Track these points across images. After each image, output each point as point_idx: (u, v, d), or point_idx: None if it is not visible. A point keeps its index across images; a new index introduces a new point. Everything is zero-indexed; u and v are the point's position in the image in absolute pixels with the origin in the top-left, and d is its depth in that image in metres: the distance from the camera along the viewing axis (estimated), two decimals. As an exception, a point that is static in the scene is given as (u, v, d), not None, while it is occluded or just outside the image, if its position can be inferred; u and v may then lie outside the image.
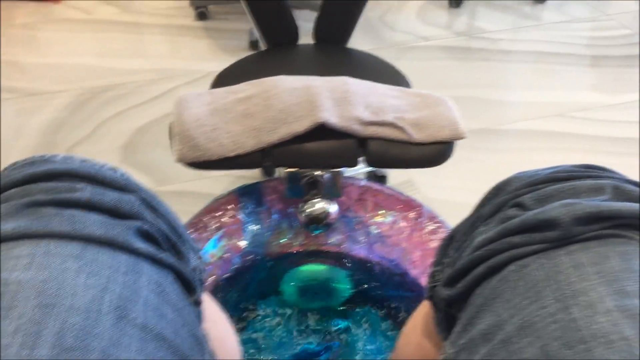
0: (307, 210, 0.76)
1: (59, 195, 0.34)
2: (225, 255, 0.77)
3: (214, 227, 0.78)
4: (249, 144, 0.70)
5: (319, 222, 0.77)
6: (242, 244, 0.78)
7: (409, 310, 0.81)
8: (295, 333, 0.85)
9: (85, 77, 1.70)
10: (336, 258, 0.81)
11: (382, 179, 1.35)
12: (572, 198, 0.35)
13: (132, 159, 1.44)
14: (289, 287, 0.85)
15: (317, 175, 0.76)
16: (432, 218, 0.80)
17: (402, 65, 1.00)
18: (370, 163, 0.74)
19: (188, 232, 0.76)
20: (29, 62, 1.77)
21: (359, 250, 0.79)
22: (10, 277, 0.30)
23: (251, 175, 1.37)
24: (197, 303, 0.40)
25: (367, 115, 0.73)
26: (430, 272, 0.45)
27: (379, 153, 0.72)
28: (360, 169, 1.31)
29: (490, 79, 1.81)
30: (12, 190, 0.35)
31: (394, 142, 0.72)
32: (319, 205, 0.76)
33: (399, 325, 0.83)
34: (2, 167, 0.38)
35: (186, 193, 1.35)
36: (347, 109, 0.72)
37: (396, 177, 1.40)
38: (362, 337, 0.84)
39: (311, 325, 0.86)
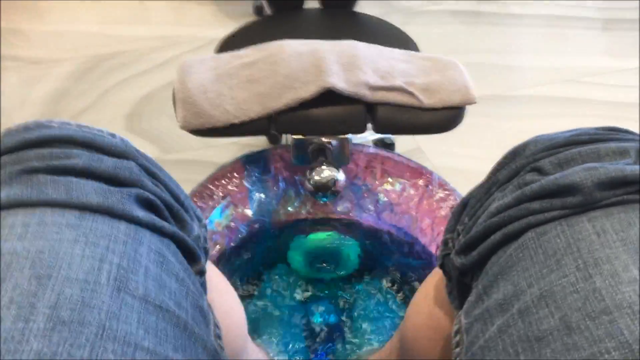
0: (314, 178, 0.75)
1: (54, 161, 0.33)
2: (232, 224, 0.75)
3: (219, 195, 0.77)
4: (254, 110, 0.68)
5: (326, 190, 0.75)
6: (249, 212, 0.77)
7: (419, 279, 0.80)
8: (302, 302, 0.84)
9: (89, 45, 1.68)
10: (344, 226, 0.80)
11: (390, 146, 1.33)
12: (594, 162, 0.33)
13: (137, 127, 1.43)
14: (296, 255, 0.84)
15: (324, 142, 0.75)
16: (442, 185, 0.79)
17: (410, 30, 0.97)
18: (378, 129, 0.72)
19: (193, 200, 0.75)
20: (31, 30, 1.74)
21: (368, 219, 0.78)
22: (4, 247, 0.29)
23: (257, 143, 1.36)
24: (201, 273, 0.39)
25: (375, 80, 0.71)
26: (442, 239, 0.44)
27: (388, 119, 0.70)
28: (369, 136, 1.29)
29: (501, 43, 1.78)
30: (6, 157, 0.34)
31: (403, 107, 0.70)
32: (326, 172, 0.75)
33: (408, 294, 0.83)
34: (1, 135, 0.37)
35: (192, 162, 1.34)
36: (355, 74, 0.70)
37: (404, 144, 1.38)
38: (370, 306, 0.83)
39: (319, 294, 0.86)
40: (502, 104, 1.54)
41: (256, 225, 0.77)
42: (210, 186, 0.77)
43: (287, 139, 0.88)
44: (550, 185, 0.33)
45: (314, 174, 0.75)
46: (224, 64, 0.74)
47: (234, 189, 0.77)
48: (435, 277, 0.50)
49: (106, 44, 1.69)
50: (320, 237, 0.82)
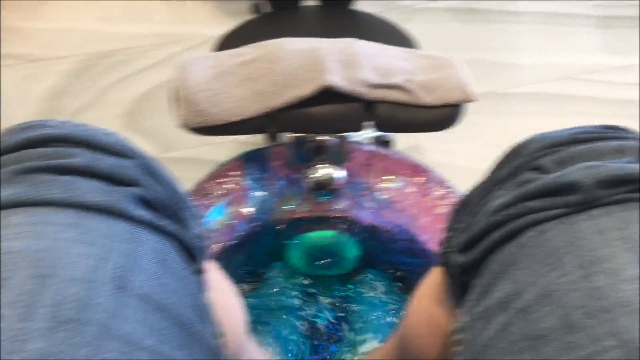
0: (313, 176, 0.75)
1: (54, 161, 0.33)
2: (231, 222, 0.75)
3: (218, 193, 0.77)
4: (253, 108, 0.68)
5: (325, 187, 0.75)
6: (248, 210, 0.77)
7: (418, 277, 0.79)
8: (301, 300, 0.84)
9: (87, 43, 1.68)
10: (343, 224, 0.80)
11: (389, 144, 1.33)
12: (594, 160, 0.33)
13: (136, 125, 1.42)
14: (295, 254, 0.84)
15: (323, 140, 0.75)
16: (441, 183, 0.79)
17: (409, 27, 0.97)
18: (377, 127, 0.72)
19: (192, 199, 0.75)
20: (29, 28, 1.74)
21: (366, 216, 0.78)
22: (4, 247, 0.29)
23: (256, 141, 1.35)
24: (201, 272, 0.39)
25: (374, 78, 0.70)
26: (442, 237, 0.44)
27: (387, 116, 0.70)
28: (367, 134, 1.29)
29: (499, 41, 1.78)
30: (7, 156, 0.34)
31: (402, 105, 0.70)
32: (325, 170, 0.75)
33: (407, 291, 0.83)
34: (1, 134, 0.36)
35: (191, 160, 1.34)
36: (354, 72, 0.70)
37: (403, 141, 1.38)
38: (370, 304, 0.83)
39: (318, 292, 0.86)
40: (501, 102, 1.54)
41: (255, 224, 0.77)
42: (210, 184, 0.77)
43: (286, 136, 0.88)
44: (550, 183, 0.33)
45: (313, 171, 0.75)
46: (222, 62, 0.74)
47: (233, 187, 0.77)
48: (435, 275, 0.50)
49: (105, 42, 1.69)
50: (319, 235, 0.82)
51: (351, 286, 0.86)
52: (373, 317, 0.82)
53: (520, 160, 0.37)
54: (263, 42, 0.75)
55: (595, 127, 0.36)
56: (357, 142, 0.83)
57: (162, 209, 0.36)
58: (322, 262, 0.85)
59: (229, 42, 0.91)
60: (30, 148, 0.34)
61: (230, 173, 0.78)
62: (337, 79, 0.68)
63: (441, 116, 0.71)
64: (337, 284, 0.86)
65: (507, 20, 1.87)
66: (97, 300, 0.28)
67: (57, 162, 0.33)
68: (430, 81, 0.71)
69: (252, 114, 0.68)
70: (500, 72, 1.65)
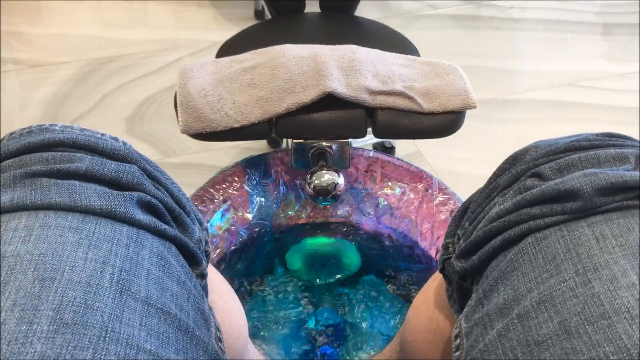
0: (315, 182, 0.75)
1: (57, 165, 0.33)
2: (232, 228, 0.76)
3: (220, 199, 0.77)
4: (254, 114, 0.69)
5: (327, 193, 0.75)
6: (249, 216, 0.77)
7: (418, 283, 0.80)
8: (301, 305, 0.84)
9: (89, 48, 1.68)
10: (344, 230, 0.80)
11: (390, 150, 1.34)
12: (594, 167, 0.33)
13: (138, 131, 1.43)
14: (296, 259, 0.84)
15: (324, 146, 0.75)
16: (442, 189, 0.79)
17: (410, 34, 0.98)
18: (378, 134, 0.72)
19: (194, 204, 0.75)
20: (31, 33, 1.75)
21: (367, 222, 0.78)
22: (8, 250, 0.29)
23: (257, 147, 1.36)
24: (202, 276, 0.39)
25: (375, 85, 0.71)
26: (442, 243, 0.44)
27: (388, 123, 0.71)
28: (369, 140, 1.29)
29: (500, 48, 1.78)
30: (10, 161, 0.34)
31: (403, 112, 0.70)
32: (326, 176, 0.75)
33: (408, 297, 0.83)
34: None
35: (192, 165, 1.34)
36: (355, 78, 0.71)
37: (404, 148, 1.38)
38: (370, 310, 0.83)
39: (319, 298, 0.86)
40: (502, 108, 1.54)
41: (256, 229, 0.77)
42: (211, 190, 0.77)
43: (288, 143, 0.89)
44: (550, 190, 0.33)
45: (314, 178, 0.75)
46: (224, 68, 0.74)
47: (235, 192, 0.77)
48: (436, 281, 0.50)
49: (107, 48, 1.69)
50: (320, 241, 0.82)
51: (351, 291, 0.86)
52: (373, 322, 0.82)
53: (520, 167, 0.37)
54: (265, 49, 0.76)
55: (595, 134, 0.37)
56: (358, 149, 0.83)
57: (164, 214, 0.36)
58: (323, 268, 0.85)
59: (231, 48, 0.91)
60: (32, 152, 0.34)
61: (231, 179, 0.78)
62: (339, 86, 0.69)
63: (442, 123, 0.71)
64: (337, 290, 0.86)
65: (508, 28, 1.87)
66: (99, 303, 0.28)
67: (59, 167, 0.33)
68: (431, 88, 0.72)
69: (254, 120, 0.68)
70: (501, 79, 1.65)
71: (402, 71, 0.75)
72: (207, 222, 0.75)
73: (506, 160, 0.40)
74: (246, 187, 0.78)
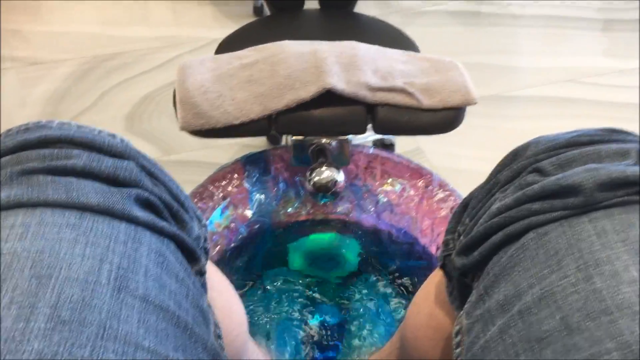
0: (314, 179, 0.74)
1: (54, 162, 0.33)
2: (231, 225, 0.75)
3: (219, 196, 0.77)
4: (254, 111, 0.68)
5: (327, 190, 0.75)
6: (248, 213, 0.77)
7: (418, 280, 0.80)
8: (301, 302, 0.84)
9: (88, 46, 1.68)
10: (344, 227, 0.80)
11: (390, 147, 1.33)
12: (595, 163, 0.33)
13: (137, 128, 1.43)
14: (296, 256, 0.84)
15: (324, 143, 0.75)
16: (442, 186, 0.78)
17: (410, 31, 0.98)
18: (378, 130, 0.72)
19: (193, 201, 0.75)
20: (30, 31, 1.74)
21: (367, 219, 0.78)
22: (4, 248, 0.29)
23: (257, 144, 1.36)
24: (201, 273, 0.39)
25: (375, 81, 0.70)
26: (443, 240, 0.44)
27: (388, 119, 0.70)
28: (368, 137, 1.29)
29: (500, 44, 1.78)
30: (6, 158, 0.33)
31: (403, 108, 0.70)
32: (326, 173, 0.74)
33: (408, 294, 0.83)
34: (1, 136, 0.36)
35: (192, 162, 1.34)
36: (355, 74, 0.70)
37: (404, 144, 1.38)
38: (370, 307, 0.83)
39: (318, 295, 0.85)
40: (502, 105, 1.54)
41: (256, 226, 0.76)
42: (210, 187, 0.77)
43: (287, 139, 0.88)
44: (551, 186, 0.33)
45: (314, 174, 0.75)
46: (224, 65, 0.74)
47: (234, 189, 0.77)
48: (436, 278, 0.49)
49: (106, 45, 1.69)
50: (320, 238, 0.82)
51: (352, 289, 0.85)
52: (373, 319, 0.82)
53: (521, 163, 0.37)
54: (264, 45, 0.75)
55: (597, 130, 0.36)
56: (358, 145, 0.83)
57: (162, 210, 0.36)
58: (323, 265, 0.85)
59: (231, 44, 0.91)
60: (29, 149, 0.34)
61: (231, 176, 0.78)
62: (338, 82, 0.68)
63: (442, 119, 0.71)
64: (337, 287, 0.86)
65: (509, 24, 1.87)
66: (96, 301, 0.28)
67: (56, 164, 0.32)
68: (431, 84, 0.71)
69: (253, 117, 0.68)
70: (502, 76, 1.65)
71: (402, 67, 0.74)
72: (207, 219, 0.75)
73: (507, 155, 0.39)
74: (246, 184, 0.78)
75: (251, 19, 1.77)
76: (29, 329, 0.26)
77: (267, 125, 0.70)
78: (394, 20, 1.02)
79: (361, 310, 0.83)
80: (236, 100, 0.69)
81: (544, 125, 1.46)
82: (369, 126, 0.73)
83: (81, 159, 0.33)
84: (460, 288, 0.41)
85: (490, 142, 1.39)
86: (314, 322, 0.83)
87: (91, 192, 0.32)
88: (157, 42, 1.71)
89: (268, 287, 0.84)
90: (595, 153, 0.34)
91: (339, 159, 0.76)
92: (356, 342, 0.80)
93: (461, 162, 1.35)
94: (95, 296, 0.28)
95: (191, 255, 0.38)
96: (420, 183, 0.79)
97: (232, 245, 0.75)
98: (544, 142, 0.37)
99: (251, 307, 0.82)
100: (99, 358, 0.26)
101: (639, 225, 0.30)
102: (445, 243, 0.43)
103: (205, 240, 0.42)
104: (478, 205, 0.39)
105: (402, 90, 0.70)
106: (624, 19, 1.90)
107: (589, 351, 0.27)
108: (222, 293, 0.47)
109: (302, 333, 0.81)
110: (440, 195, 0.78)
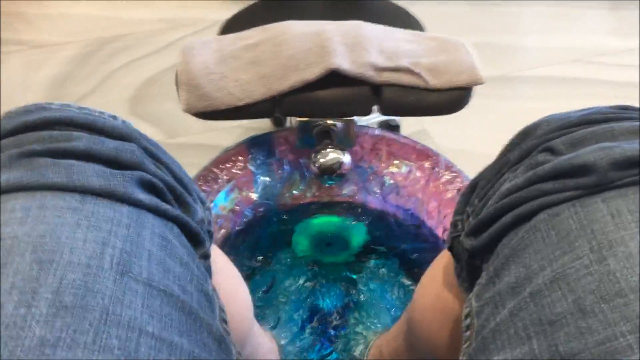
0: (320, 161, 0.74)
1: (54, 144, 0.32)
2: (236, 208, 0.75)
3: (224, 179, 0.76)
4: (258, 92, 0.67)
5: (332, 172, 0.75)
6: (253, 196, 0.76)
7: (425, 262, 0.79)
8: (307, 286, 0.84)
9: (91, 28, 1.67)
10: (350, 209, 0.79)
11: (395, 128, 1.32)
12: (608, 141, 0.32)
13: (141, 111, 1.42)
14: (301, 239, 0.83)
15: (329, 125, 0.74)
16: (449, 168, 0.78)
17: (415, 10, 0.96)
18: (384, 111, 0.71)
19: (198, 184, 0.75)
20: (32, 13, 1.73)
21: (373, 201, 0.77)
22: (5, 232, 0.28)
23: (261, 126, 1.35)
24: (206, 256, 0.39)
25: (381, 61, 0.69)
26: (451, 221, 0.43)
27: (394, 100, 0.69)
28: (374, 118, 1.28)
29: (506, 23, 1.76)
30: (6, 140, 0.33)
31: (409, 88, 0.69)
32: (331, 155, 0.74)
33: (414, 277, 0.82)
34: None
35: (196, 145, 1.33)
36: (361, 55, 0.69)
37: (410, 125, 1.37)
38: (377, 289, 0.83)
39: (324, 277, 0.85)
40: (509, 85, 1.52)
41: (261, 209, 0.76)
42: (215, 170, 0.77)
43: (292, 121, 0.87)
44: (563, 165, 0.32)
45: (319, 156, 0.74)
46: (227, 46, 0.73)
47: (239, 172, 0.77)
48: (444, 260, 0.49)
49: (109, 27, 1.68)
50: (326, 220, 0.81)
51: (358, 272, 0.85)
52: (380, 302, 0.82)
53: (532, 142, 0.36)
54: (268, 25, 0.74)
55: (609, 107, 0.36)
56: (363, 127, 0.82)
57: (165, 193, 0.35)
58: (328, 247, 0.84)
59: (234, 25, 0.90)
60: (30, 131, 0.33)
61: (235, 158, 0.78)
62: (344, 62, 0.67)
63: (449, 99, 0.70)
64: (343, 270, 0.85)
65: (514, 3, 1.84)
66: (99, 285, 0.28)
67: (57, 146, 0.32)
68: (437, 64, 0.70)
69: (257, 98, 0.67)
70: (508, 56, 1.63)
71: (408, 47, 0.73)
72: (211, 202, 0.74)
73: (516, 135, 0.39)
74: (250, 167, 0.77)
75: None
76: (30, 315, 0.25)
77: (272, 106, 0.69)
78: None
79: (367, 293, 0.83)
80: (240, 82, 0.68)
81: (551, 106, 1.44)
82: (375, 107, 0.72)
83: (82, 141, 0.33)
84: (469, 270, 0.40)
85: (496, 123, 1.38)
86: (319, 304, 0.83)
87: (93, 174, 0.31)
88: (160, 24, 1.70)
89: (273, 270, 0.84)
90: (608, 131, 0.33)
91: (345, 141, 0.75)
92: (362, 325, 0.80)
93: (467, 143, 1.34)
94: (97, 281, 0.28)
95: (195, 239, 0.37)
96: (427, 165, 0.78)
97: (237, 228, 0.75)
98: (555, 121, 0.36)
99: (256, 290, 0.82)
100: (102, 344, 0.26)
101: (654, 205, 0.29)
102: (454, 224, 0.43)
103: (210, 223, 0.41)
104: (487, 186, 0.38)
105: (408, 71, 0.69)
106: (632, -4, 1.88)
107: (602, 334, 0.26)
108: (227, 277, 0.47)
109: (307, 316, 0.81)
110: (447, 176, 0.77)
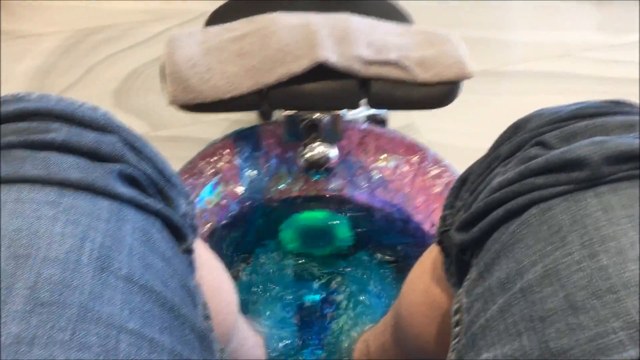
0: (307, 155, 0.73)
1: (31, 136, 0.31)
2: (222, 202, 0.74)
3: (209, 172, 0.75)
4: (244, 85, 0.66)
5: (319, 166, 0.74)
6: (239, 190, 0.75)
7: (413, 256, 0.79)
8: (294, 281, 0.83)
9: (75, 19, 1.65)
10: (337, 204, 0.79)
11: (382, 123, 1.32)
12: (601, 135, 0.32)
13: (125, 103, 1.40)
14: (288, 233, 0.83)
15: (316, 118, 0.73)
16: (436, 162, 0.77)
17: (403, 3, 0.95)
18: (372, 105, 0.70)
19: (183, 178, 0.74)
20: (15, 4, 1.70)
21: (361, 196, 0.76)
22: (-21, 226, 0.27)
23: (248, 119, 1.34)
24: (189, 251, 0.38)
25: (369, 54, 0.69)
26: (440, 215, 0.42)
27: (382, 94, 0.69)
28: (362, 112, 1.27)
29: (492, 18, 1.76)
30: (-19, 132, 0.32)
31: (397, 82, 0.69)
32: (318, 149, 0.73)
33: (401, 271, 0.82)
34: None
35: (182, 138, 1.32)
36: (348, 48, 0.68)
37: (398, 120, 1.36)
38: (364, 284, 0.82)
39: (311, 272, 0.85)
40: (496, 80, 1.52)
41: (247, 203, 0.75)
42: (201, 163, 0.76)
43: (279, 114, 0.87)
44: (555, 159, 0.31)
45: (306, 150, 0.73)
46: (213, 38, 0.72)
47: (225, 165, 0.76)
48: (432, 254, 0.48)
49: (93, 18, 1.66)
50: (313, 215, 0.80)
51: (345, 266, 0.85)
52: (366, 297, 0.81)
53: (523, 136, 0.35)
54: (255, 17, 0.73)
55: (601, 102, 0.35)
56: (351, 121, 0.82)
57: (147, 186, 0.34)
58: (315, 242, 0.84)
59: (221, 17, 0.89)
60: (5, 123, 0.32)
61: (221, 152, 0.77)
62: (331, 55, 0.67)
63: (437, 93, 0.69)
64: (330, 264, 0.85)
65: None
66: (77, 281, 0.27)
67: (33, 138, 0.31)
68: (426, 58, 0.70)
69: (244, 91, 0.66)
70: (495, 50, 1.63)
71: (396, 40, 0.73)
72: (197, 196, 0.73)
73: (508, 128, 0.38)
74: (236, 161, 0.76)
75: (241, -8, 1.74)
76: (5, 312, 0.25)
77: (258, 99, 0.68)
78: (387, -8, 1.00)
79: (354, 287, 0.82)
80: (226, 74, 0.67)
81: (539, 101, 1.44)
82: (363, 101, 0.71)
83: (61, 132, 0.32)
84: (458, 264, 0.40)
85: (484, 118, 1.38)
86: (306, 299, 0.82)
87: (71, 167, 0.30)
88: (144, 15, 1.67)
89: (260, 264, 0.83)
90: (601, 125, 0.32)
91: (332, 135, 0.75)
92: (349, 319, 0.80)
93: (456, 137, 1.34)
94: (76, 277, 0.27)
95: (178, 233, 0.36)
96: (415, 159, 0.77)
97: (223, 222, 0.74)
98: (547, 115, 0.36)
99: (242, 284, 0.81)
100: (80, 341, 0.25)
101: (646, 200, 0.29)
102: (443, 218, 0.42)
103: (193, 217, 0.41)
104: (478, 180, 0.38)
105: (396, 64, 0.69)
106: (619, -8, 1.88)
107: (594, 330, 0.26)
108: (212, 271, 0.46)
109: (294, 311, 0.81)
110: (435, 171, 0.76)
